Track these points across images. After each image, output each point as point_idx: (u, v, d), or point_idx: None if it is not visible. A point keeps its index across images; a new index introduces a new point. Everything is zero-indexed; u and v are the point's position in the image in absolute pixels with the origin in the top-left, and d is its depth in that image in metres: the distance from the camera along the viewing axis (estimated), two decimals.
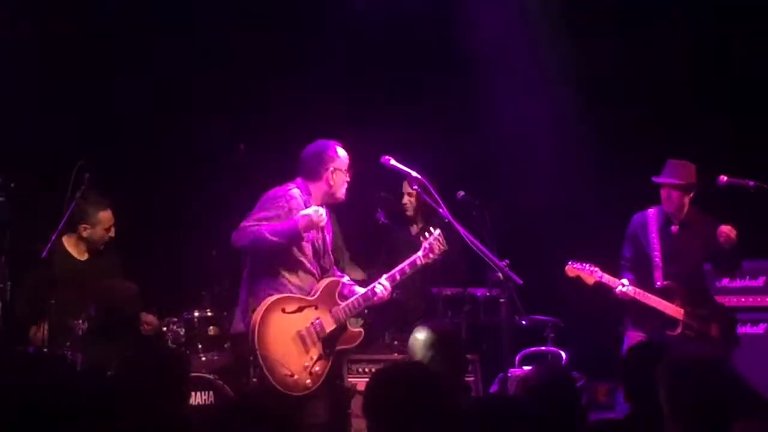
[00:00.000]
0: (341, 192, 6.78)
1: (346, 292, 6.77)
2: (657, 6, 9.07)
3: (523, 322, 7.97)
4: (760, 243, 7.98)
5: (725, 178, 7.52)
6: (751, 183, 7.42)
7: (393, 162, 6.85)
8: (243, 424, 3.02)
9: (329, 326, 6.62)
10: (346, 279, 6.89)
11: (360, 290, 6.76)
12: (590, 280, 7.50)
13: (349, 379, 7.39)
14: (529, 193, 9.05)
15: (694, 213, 7.72)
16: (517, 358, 8.20)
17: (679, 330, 7.51)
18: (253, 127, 8.57)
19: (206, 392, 6.97)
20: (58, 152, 7.66)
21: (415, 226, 8.57)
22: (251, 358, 6.45)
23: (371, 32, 9.03)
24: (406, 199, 8.30)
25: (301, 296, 6.60)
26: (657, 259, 7.67)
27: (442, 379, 4.14)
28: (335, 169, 6.72)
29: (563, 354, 8.23)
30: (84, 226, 7.26)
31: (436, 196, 6.89)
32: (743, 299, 8.11)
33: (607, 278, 7.51)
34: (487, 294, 7.85)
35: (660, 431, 3.87)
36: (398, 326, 7.98)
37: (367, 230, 8.61)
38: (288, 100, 8.77)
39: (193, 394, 6.93)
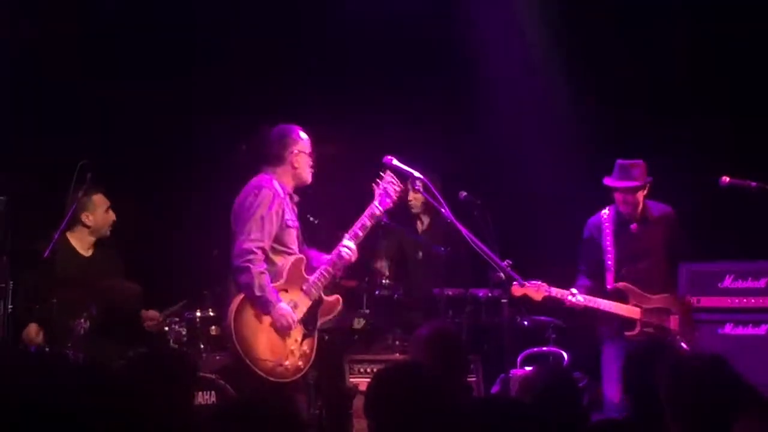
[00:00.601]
0: (306, 174, 6.77)
1: (313, 263, 6.75)
2: (657, 6, 9.05)
3: (525, 323, 7.98)
4: (763, 244, 7.96)
5: (727, 179, 7.50)
6: (753, 184, 7.41)
7: (395, 162, 6.84)
8: (248, 426, 3.01)
9: (305, 305, 6.61)
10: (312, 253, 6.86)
11: (325, 256, 6.74)
12: (537, 296, 7.38)
13: (351, 380, 7.39)
14: (531, 193, 9.04)
15: (648, 206, 7.71)
16: (518, 359, 8.19)
17: (637, 329, 7.49)
18: (253, 127, 8.55)
19: (208, 392, 6.96)
20: (59, 152, 7.65)
21: (420, 223, 8.59)
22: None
23: (372, 32, 9.02)
24: (411, 196, 8.32)
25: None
26: (609, 262, 7.65)
27: (442, 379, 4.14)
28: (299, 151, 6.73)
29: (565, 355, 8.22)
30: (86, 214, 7.32)
31: (438, 195, 6.89)
32: (745, 300, 8.08)
33: (555, 291, 7.42)
34: (489, 294, 7.84)
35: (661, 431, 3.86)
36: (400, 327, 7.99)
37: (370, 230, 8.60)
38: (288, 100, 8.76)
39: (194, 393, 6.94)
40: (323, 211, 7.47)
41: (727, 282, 8.21)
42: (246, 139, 7.03)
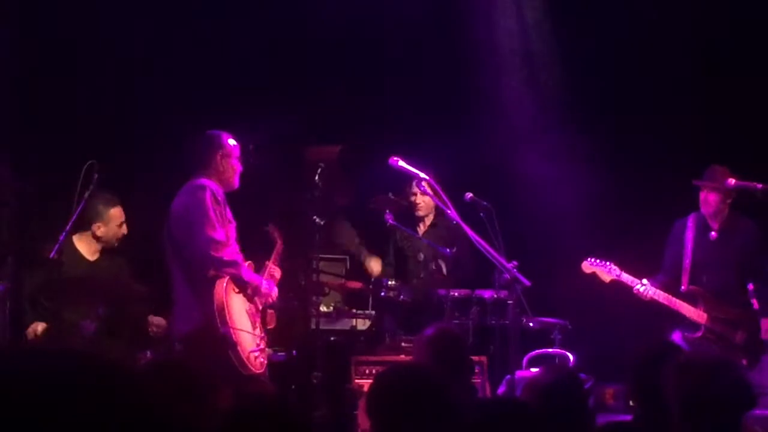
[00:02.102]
0: (234, 179, 6.82)
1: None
2: (664, 8, 9.05)
3: (531, 324, 7.97)
4: None
5: (733, 181, 7.52)
6: (759, 186, 7.42)
7: (401, 163, 6.85)
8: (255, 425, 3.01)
9: (260, 303, 6.82)
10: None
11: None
12: (606, 278, 7.53)
13: (356, 381, 7.39)
14: (537, 195, 9.03)
15: (734, 219, 7.73)
16: (524, 360, 8.18)
17: (699, 333, 7.54)
18: (259, 129, 8.55)
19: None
20: (66, 153, 7.65)
21: (422, 224, 8.59)
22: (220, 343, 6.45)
23: (377, 33, 9.03)
24: (419, 198, 8.34)
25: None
26: (686, 264, 7.71)
27: (446, 380, 4.14)
28: (223, 155, 6.76)
29: (571, 356, 8.21)
30: (97, 225, 7.29)
31: (444, 197, 6.89)
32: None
33: (626, 277, 7.54)
34: (495, 296, 7.83)
35: None
36: (405, 328, 7.99)
37: (375, 232, 8.61)
38: (294, 102, 8.76)
39: None
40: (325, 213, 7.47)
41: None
42: (254, 140, 7.03)
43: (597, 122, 9.05)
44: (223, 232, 6.52)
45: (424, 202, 8.42)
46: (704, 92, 8.99)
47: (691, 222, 7.82)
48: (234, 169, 6.80)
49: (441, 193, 6.95)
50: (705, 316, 7.56)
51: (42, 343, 6.85)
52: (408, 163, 6.98)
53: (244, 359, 6.37)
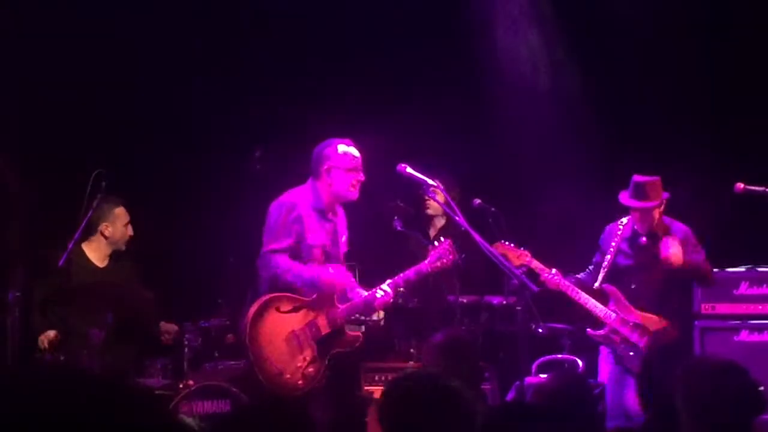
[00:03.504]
0: (346, 191, 6.76)
1: (348, 295, 6.77)
2: (675, 10, 9.04)
3: (540, 330, 7.96)
4: None
5: (742, 185, 7.50)
6: None
7: (409, 170, 6.84)
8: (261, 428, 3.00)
9: (324, 329, 6.64)
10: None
11: (362, 293, 6.75)
12: (516, 262, 7.36)
13: (366, 388, 7.39)
14: (544, 201, 9.03)
15: (664, 223, 7.67)
16: (533, 366, 8.17)
17: (603, 331, 7.50)
18: (269, 133, 8.57)
19: (223, 401, 6.97)
20: (75, 161, 7.67)
21: (432, 228, 8.59)
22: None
23: (387, 36, 9.03)
24: (427, 204, 8.36)
25: (298, 296, 6.59)
26: (605, 265, 7.65)
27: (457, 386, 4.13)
28: (331, 167, 6.72)
29: (580, 362, 8.21)
30: (105, 224, 7.32)
31: (452, 203, 6.89)
32: (760, 307, 8.06)
33: (536, 264, 7.44)
34: (504, 302, 7.84)
35: None
36: (415, 335, 7.99)
37: (384, 239, 8.61)
38: (305, 106, 8.77)
39: (209, 402, 6.95)
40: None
41: (743, 289, 8.20)
42: (261, 146, 7.03)
43: (611, 124, 9.05)
44: (288, 241, 6.50)
45: (431, 207, 8.43)
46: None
47: (622, 227, 7.76)
48: (346, 181, 6.74)
49: (450, 200, 6.94)
50: (612, 315, 7.49)
51: (54, 351, 6.86)
52: (416, 170, 6.97)
53: (257, 373, 6.34)
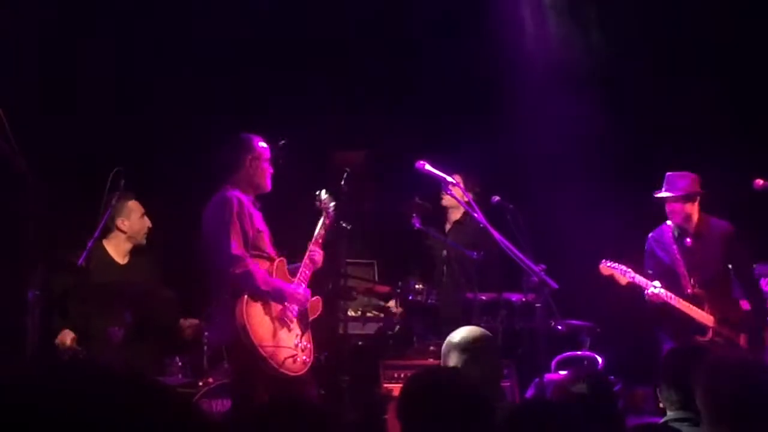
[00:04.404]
0: (266, 181, 6.79)
1: (291, 267, 6.82)
2: (693, 10, 9.02)
3: (559, 327, 7.96)
4: None
5: (761, 182, 7.48)
6: None
7: (428, 167, 6.83)
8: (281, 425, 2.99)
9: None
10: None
11: (300, 263, 6.84)
12: (623, 281, 7.53)
13: (385, 385, 7.39)
14: (564, 198, 9.01)
15: (706, 221, 7.69)
16: (553, 363, 8.16)
17: (709, 336, 7.51)
18: (285, 131, 8.57)
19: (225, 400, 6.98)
20: (93, 159, 7.69)
21: (448, 223, 8.62)
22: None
23: (405, 33, 9.04)
24: (445, 201, 8.38)
25: None
26: (681, 269, 7.67)
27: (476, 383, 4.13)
28: (253, 158, 6.73)
29: (599, 359, 8.19)
30: (121, 219, 7.35)
31: (471, 199, 6.89)
32: None
33: (639, 279, 7.53)
34: (523, 299, 7.83)
35: None
36: (434, 332, 7.99)
37: (402, 236, 8.61)
38: (324, 105, 8.78)
39: (216, 401, 6.97)
40: (354, 217, 7.47)
41: (763, 285, 8.18)
42: (283, 137, 7.04)
43: (629, 122, 9.04)
44: (243, 245, 6.52)
45: (449, 203, 8.46)
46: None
47: (666, 231, 7.78)
48: (265, 172, 6.79)
49: (468, 196, 6.93)
50: (712, 318, 7.53)
51: (70, 353, 6.87)
52: (434, 167, 6.97)
53: (277, 367, 6.34)
